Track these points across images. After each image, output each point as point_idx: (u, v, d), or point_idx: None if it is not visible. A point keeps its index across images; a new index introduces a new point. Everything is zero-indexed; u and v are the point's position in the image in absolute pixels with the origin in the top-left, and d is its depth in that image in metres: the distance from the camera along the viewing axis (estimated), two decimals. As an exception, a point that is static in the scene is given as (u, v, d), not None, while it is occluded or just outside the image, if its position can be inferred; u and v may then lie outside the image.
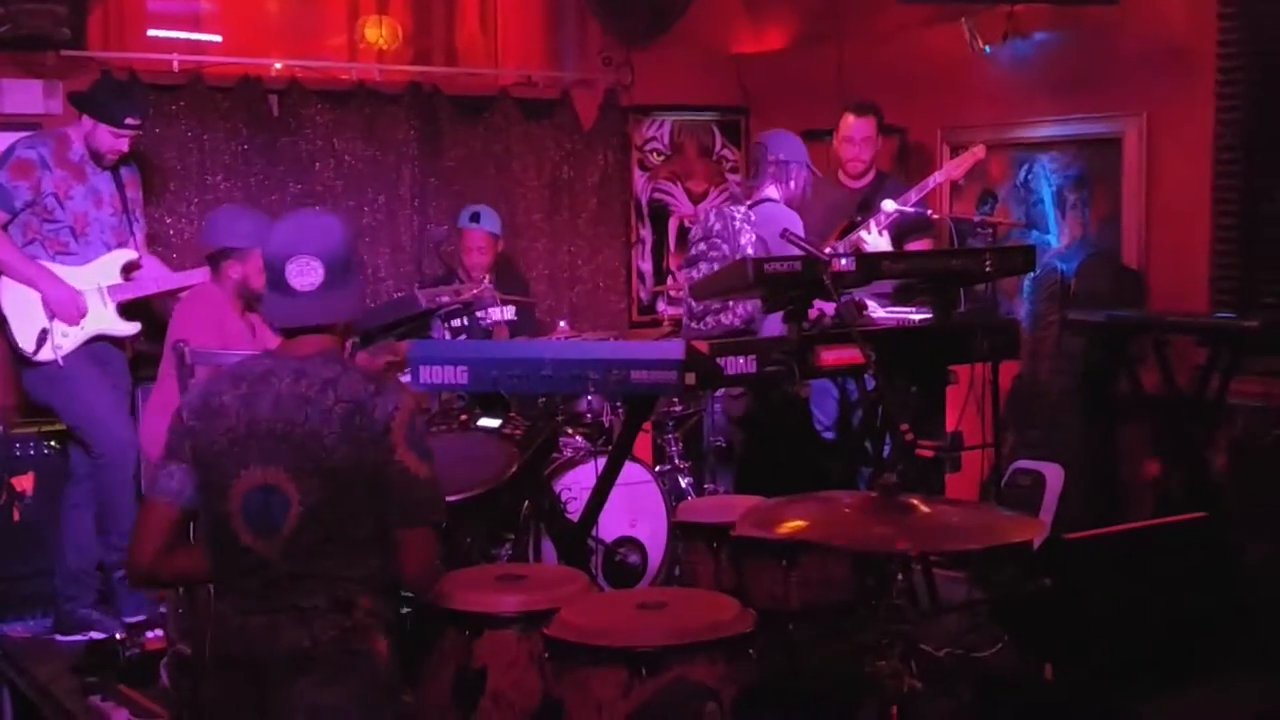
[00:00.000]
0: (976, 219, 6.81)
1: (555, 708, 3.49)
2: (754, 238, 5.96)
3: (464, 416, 5.44)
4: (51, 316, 5.79)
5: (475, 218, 6.96)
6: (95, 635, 5.71)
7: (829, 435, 6.37)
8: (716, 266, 5.91)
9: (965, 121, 7.40)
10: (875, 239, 6.35)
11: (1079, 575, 4.74)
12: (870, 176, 6.86)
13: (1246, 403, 5.95)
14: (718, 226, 6.08)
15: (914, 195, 6.45)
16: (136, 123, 5.91)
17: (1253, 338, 5.78)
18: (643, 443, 6.41)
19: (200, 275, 5.92)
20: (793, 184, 6.20)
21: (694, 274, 6.13)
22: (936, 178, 6.63)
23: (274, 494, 3.24)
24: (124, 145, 5.92)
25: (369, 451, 3.23)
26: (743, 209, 6.09)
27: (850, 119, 6.82)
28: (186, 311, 5.71)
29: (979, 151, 6.63)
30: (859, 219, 6.53)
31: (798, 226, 5.79)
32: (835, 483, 5.87)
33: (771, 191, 6.19)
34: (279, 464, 3.24)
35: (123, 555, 5.82)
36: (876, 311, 5.71)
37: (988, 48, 7.16)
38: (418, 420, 3.33)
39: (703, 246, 6.14)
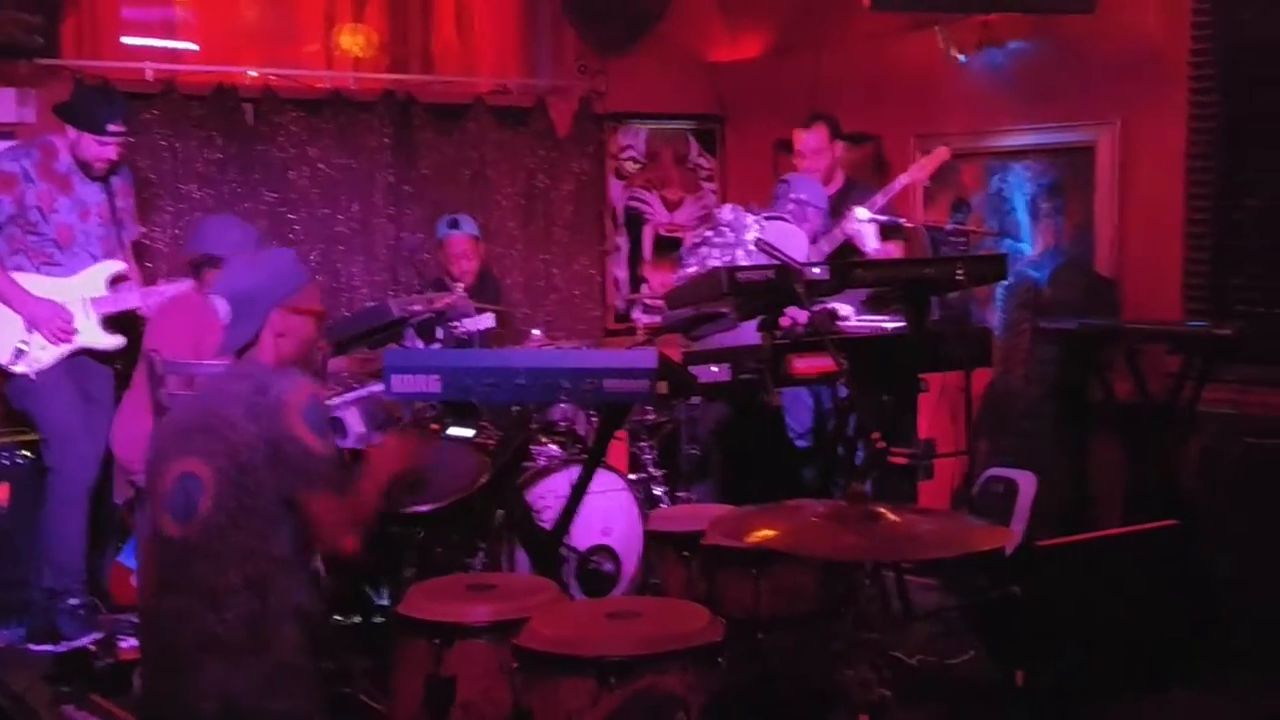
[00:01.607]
0: (950, 227, 6.82)
1: (525, 717, 3.49)
2: (758, 234, 5.98)
3: (435, 426, 5.43)
4: (31, 329, 5.77)
5: (454, 224, 6.96)
6: (69, 645, 5.70)
7: (802, 443, 6.37)
8: (717, 252, 5.92)
9: (940, 130, 7.41)
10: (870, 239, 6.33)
11: (1051, 582, 4.75)
12: (837, 184, 6.86)
13: (1218, 410, 5.96)
14: (730, 219, 6.09)
15: (880, 199, 6.46)
16: (119, 128, 5.89)
17: (1225, 346, 5.80)
18: (618, 451, 6.42)
19: (185, 286, 5.89)
20: (807, 225, 6.23)
21: (691, 261, 6.14)
22: (902, 180, 6.63)
23: (190, 479, 3.54)
24: (111, 152, 5.89)
25: (267, 426, 3.51)
26: (757, 215, 6.11)
27: (798, 133, 6.85)
28: (162, 319, 5.68)
29: (943, 152, 6.64)
30: (829, 223, 6.52)
31: (803, 246, 5.81)
32: (810, 491, 5.90)
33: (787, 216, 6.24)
34: (197, 452, 3.55)
35: (70, 579, 5.86)
36: (851, 319, 5.72)
37: (962, 56, 7.18)
38: (318, 404, 3.67)
39: (709, 234, 6.15)
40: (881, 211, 6.40)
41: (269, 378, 3.60)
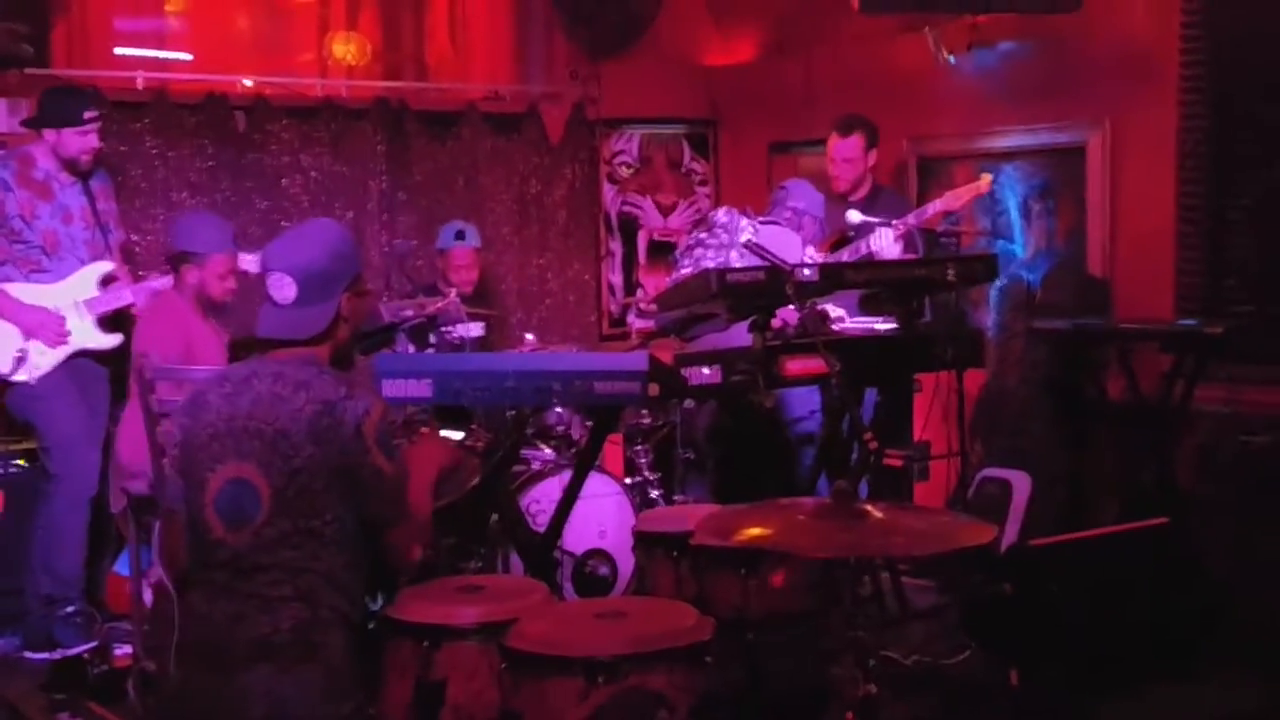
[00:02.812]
0: (942, 228, 6.81)
1: (514, 718, 3.48)
2: (752, 237, 5.97)
3: (425, 429, 5.43)
4: (29, 337, 5.79)
5: (460, 235, 6.95)
6: (64, 652, 5.70)
7: (807, 426, 6.31)
8: (711, 254, 5.91)
9: (931, 131, 7.43)
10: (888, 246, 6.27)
11: (1045, 581, 4.75)
12: (864, 190, 6.81)
13: (1211, 409, 5.97)
14: (724, 220, 6.09)
15: (913, 220, 6.34)
16: (95, 114, 5.92)
17: (1217, 344, 5.81)
18: (614, 455, 6.42)
19: (169, 279, 5.89)
20: (802, 233, 6.22)
21: (686, 262, 6.13)
22: (936, 205, 6.52)
23: (245, 487, 3.41)
24: (94, 140, 5.92)
25: (337, 452, 3.39)
26: (753, 219, 6.10)
27: (834, 139, 6.78)
28: (148, 323, 5.70)
29: (983, 185, 6.47)
30: (851, 234, 6.47)
31: (798, 251, 5.81)
32: (804, 488, 5.91)
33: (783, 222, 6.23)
34: (251, 459, 3.42)
35: (68, 587, 5.87)
36: (845, 321, 5.72)
37: (952, 58, 7.19)
38: (388, 422, 3.52)
39: (703, 235, 6.14)
40: (908, 234, 6.28)
41: (332, 392, 3.42)
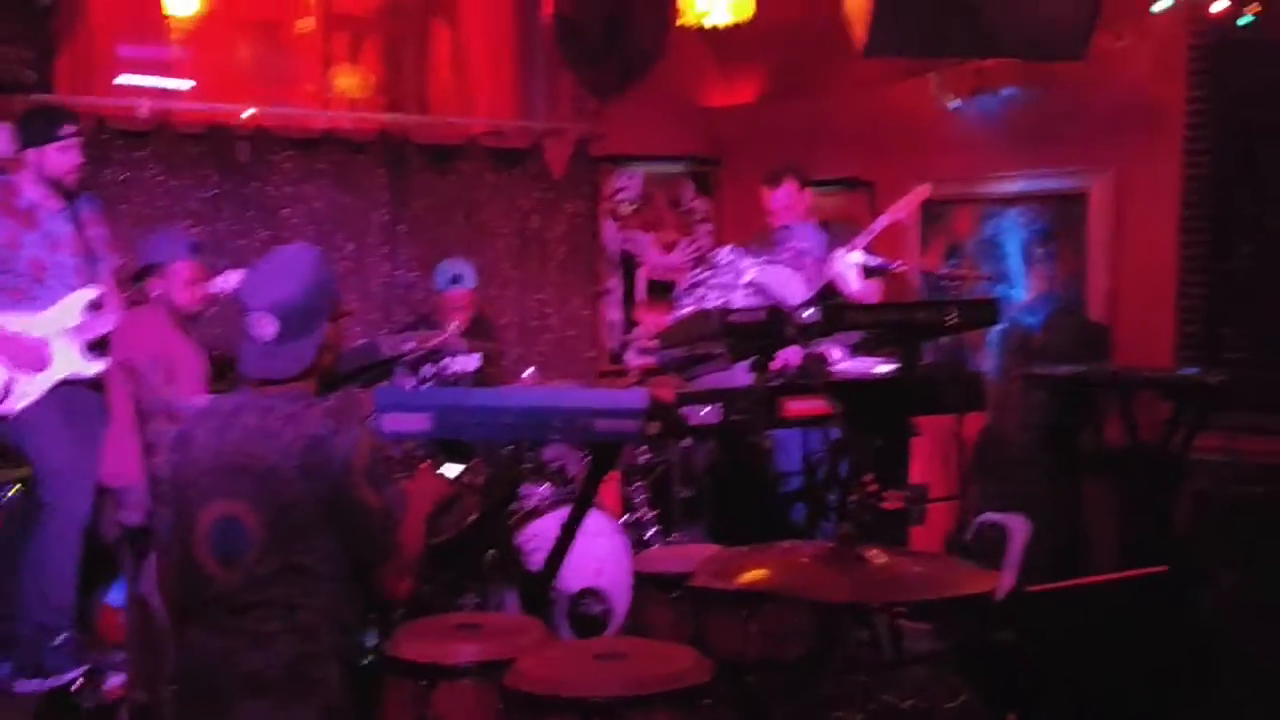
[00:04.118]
0: (943, 271, 6.84)
1: (511, 758, 3.46)
2: (755, 277, 5.98)
3: (424, 465, 5.41)
4: (13, 367, 5.76)
5: (457, 279, 6.91)
6: (55, 681, 5.66)
7: (792, 483, 6.33)
8: (714, 293, 5.92)
9: (934, 175, 7.38)
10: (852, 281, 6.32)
11: (1042, 628, 4.73)
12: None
13: (1211, 458, 5.96)
14: (728, 260, 6.10)
15: (862, 239, 6.43)
16: (74, 129, 5.89)
17: (1217, 393, 5.82)
18: (611, 492, 6.40)
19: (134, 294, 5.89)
20: (803, 273, 6.23)
21: (688, 301, 6.13)
22: (883, 220, 6.59)
23: (236, 524, 3.38)
24: (75, 156, 5.87)
25: (326, 487, 3.36)
26: (756, 259, 6.11)
27: (767, 192, 6.78)
28: (127, 330, 5.67)
29: (923, 190, 6.59)
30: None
31: (801, 291, 5.82)
32: (799, 532, 5.89)
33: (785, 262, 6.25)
34: (242, 496, 3.39)
35: (61, 616, 5.83)
36: (841, 362, 5.72)
37: (956, 102, 7.21)
38: (378, 456, 3.47)
39: (705, 274, 6.16)
40: (864, 250, 6.38)
41: (321, 427, 3.39)
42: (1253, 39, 5.92)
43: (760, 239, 6.58)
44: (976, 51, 6.68)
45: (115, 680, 5.47)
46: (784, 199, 6.77)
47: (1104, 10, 6.04)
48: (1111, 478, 6.39)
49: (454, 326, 6.42)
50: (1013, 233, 7.10)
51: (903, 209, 6.61)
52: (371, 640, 3.82)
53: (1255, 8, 5.42)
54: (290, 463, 3.36)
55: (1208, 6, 5.56)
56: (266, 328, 3.44)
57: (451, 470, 5.37)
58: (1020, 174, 7.07)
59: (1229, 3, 5.47)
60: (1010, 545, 6.25)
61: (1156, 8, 5.66)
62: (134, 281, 5.83)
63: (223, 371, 5.69)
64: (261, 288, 3.49)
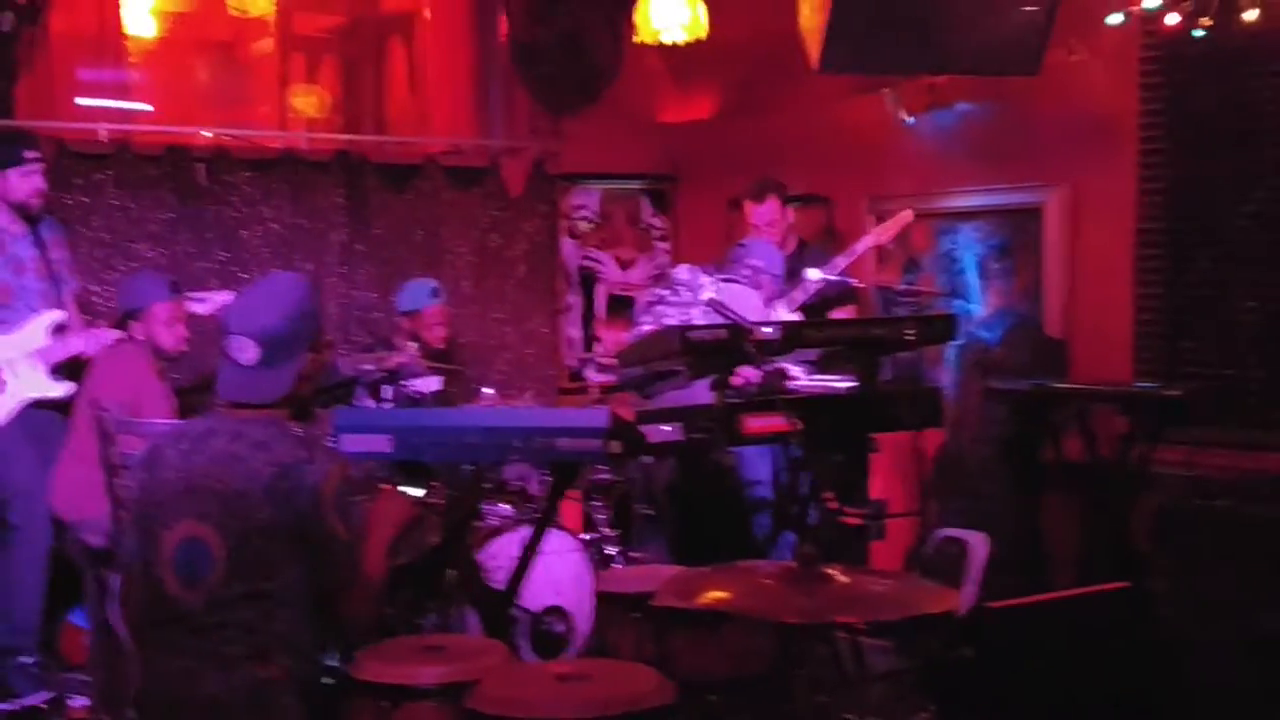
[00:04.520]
0: (901, 287, 6.88)
1: (474, 781, 3.45)
2: (713, 295, 5.99)
3: (386, 486, 5.39)
4: None
5: (436, 293, 6.90)
6: (20, 703, 5.63)
7: (760, 491, 6.33)
8: (673, 311, 5.93)
9: (889, 191, 7.48)
10: (783, 315, 6.40)
11: (1003, 644, 4.74)
12: (790, 247, 6.92)
13: (1169, 472, 5.99)
14: (686, 279, 6.11)
15: (842, 261, 6.51)
16: (35, 154, 5.90)
17: (1175, 407, 5.85)
18: (571, 510, 6.39)
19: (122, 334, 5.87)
20: (762, 291, 6.25)
21: (646, 319, 6.15)
22: (866, 242, 6.68)
23: (200, 546, 3.39)
24: (38, 180, 5.89)
25: (294, 515, 3.37)
26: (713, 277, 6.12)
27: (751, 206, 6.88)
28: (103, 367, 5.67)
29: (907, 215, 6.68)
30: (784, 288, 6.57)
31: (758, 309, 5.83)
32: (762, 549, 5.89)
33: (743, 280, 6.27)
34: (208, 518, 3.39)
35: (25, 638, 5.79)
36: (800, 379, 5.73)
37: (911, 118, 7.24)
38: (345, 486, 3.48)
39: (664, 293, 6.17)
40: (844, 273, 6.45)
41: (291, 455, 3.41)
42: (1205, 52, 5.96)
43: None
44: (930, 68, 6.73)
45: (79, 702, 5.45)
46: (768, 214, 6.84)
47: (1057, 25, 6.09)
48: (1071, 492, 6.41)
49: (413, 347, 6.41)
50: (969, 248, 7.13)
51: (885, 233, 6.65)
52: (331, 661, 3.80)
53: (1207, 21, 5.46)
54: (258, 488, 3.37)
55: (1161, 20, 5.60)
56: (249, 352, 3.47)
57: (412, 493, 5.36)
58: (976, 189, 7.10)
59: (1182, 16, 5.51)
60: (970, 561, 6.28)
61: (1110, 21, 5.69)
62: (119, 327, 5.80)
63: (190, 403, 5.66)
64: (247, 312, 3.54)
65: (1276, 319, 6.07)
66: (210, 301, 6.09)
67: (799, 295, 6.50)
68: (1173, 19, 5.50)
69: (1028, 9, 5.98)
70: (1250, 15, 5.44)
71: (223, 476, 3.40)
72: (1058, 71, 6.40)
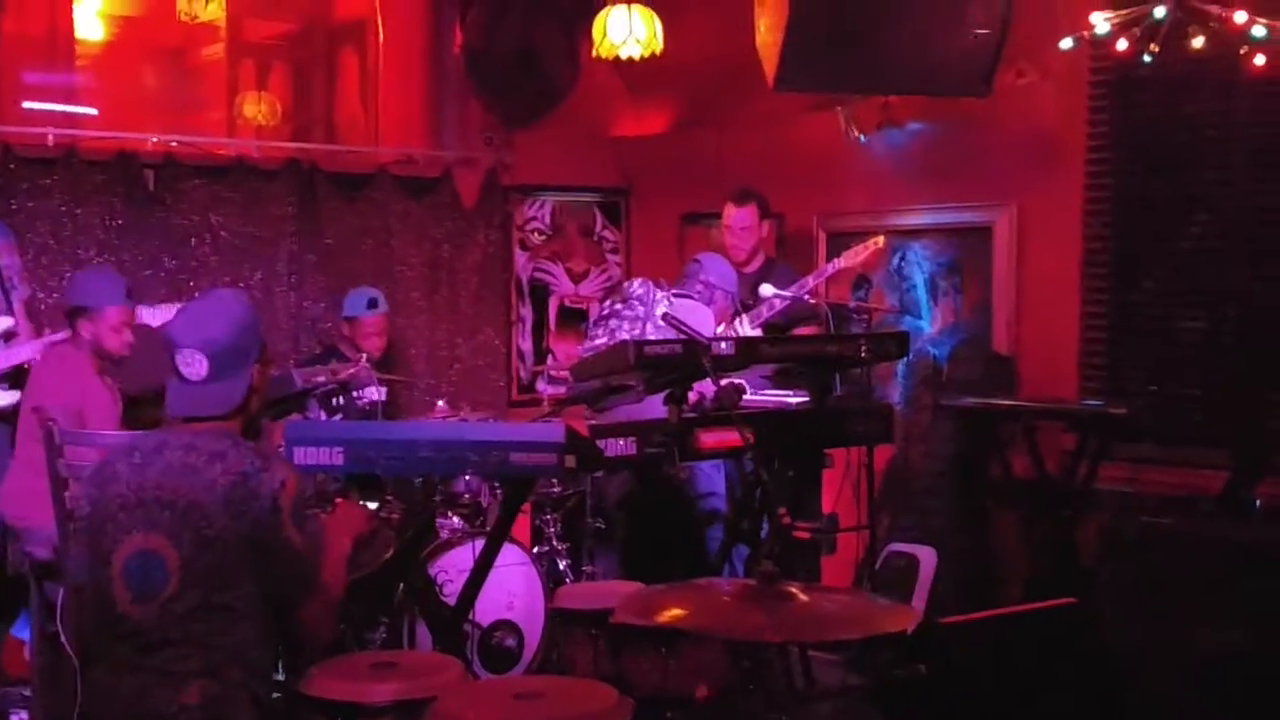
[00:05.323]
0: (852, 304, 6.92)
1: (430, 798, 3.44)
2: (666, 309, 6.00)
3: (339, 499, 5.38)
4: None
5: (373, 303, 6.88)
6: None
7: (714, 503, 6.34)
8: (626, 325, 5.94)
9: (841, 208, 7.52)
10: (746, 331, 6.44)
11: (952, 659, 4.77)
12: (758, 262, 6.95)
13: (1115, 489, 6.06)
14: (640, 292, 6.12)
15: (811, 281, 6.53)
16: None
17: (1120, 424, 5.91)
18: (522, 524, 6.39)
19: (65, 334, 5.81)
20: (714, 307, 6.27)
21: (599, 332, 6.15)
22: (837, 263, 6.69)
23: (153, 559, 3.37)
24: None
25: (250, 524, 3.36)
26: (667, 291, 6.14)
27: (730, 208, 6.94)
28: (44, 372, 5.60)
29: (878, 242, 6.67)
30: (749, 302, 6.60)
31: (710, 324, 5.86)
32: (713, 564, 5.91)
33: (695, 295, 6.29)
34: (161, 530, 3.38)
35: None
36: (752, 394, 5.75)
37: (863, 136, 7.29)
38: (302, 495, 3.49)
39: (618, 306, 6.16)
40: (803, 291, 6.48)
41: (248, 464, 3.40)
42: (1153, 75, 6.04)
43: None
44: (883, 88, 6.77)
45: (20, 717, 5.39)
46: (744, 219, 6.90)
47: (1007, 48, 6.14)
48: (1018, 508, 6.47)
49: (364, 358, 6.39)
50: (919, 265, 7.18)
51: (855, 257, 6.66)
52: (280, 676, 3.79)
53: (1155, 47, 5.53)
54: (215, 498, 3.36)
55: (1110, 44, 5.66)
56: (198, 366, 3.49)
57: (366, 507, 5.35)
58: (926, 207, 7.16)
59: (1130, 42, 5.58)
60: (919, 575, 6.33)
61: (1062, 46, 5.76)
62: (68, 320, 5.73)
63: (137, 413, 5.61)
64: (192, 326, 3.54)
65: (1217, 338, 6.15)
66: (165, 313, 6.05)
67: (764, 311, 6.52)
68: (1122, 44, 5.57)
69: (979, 32, 6.02)
70: (1197, 42, 5.51)
71: (177, 488, 3.39)
72: (1008, 94, 6.47)
